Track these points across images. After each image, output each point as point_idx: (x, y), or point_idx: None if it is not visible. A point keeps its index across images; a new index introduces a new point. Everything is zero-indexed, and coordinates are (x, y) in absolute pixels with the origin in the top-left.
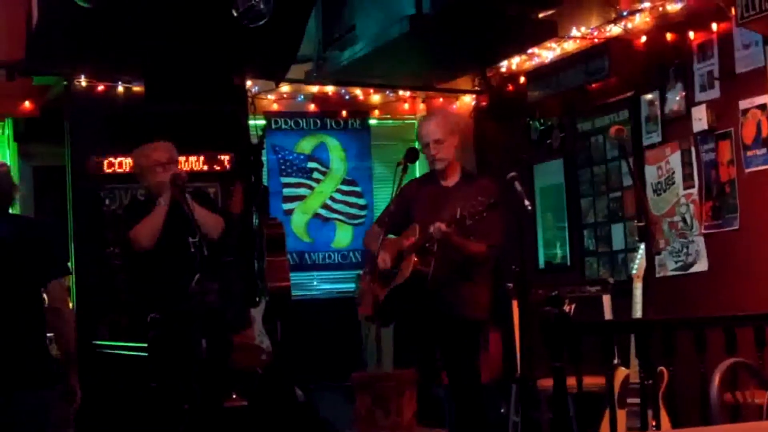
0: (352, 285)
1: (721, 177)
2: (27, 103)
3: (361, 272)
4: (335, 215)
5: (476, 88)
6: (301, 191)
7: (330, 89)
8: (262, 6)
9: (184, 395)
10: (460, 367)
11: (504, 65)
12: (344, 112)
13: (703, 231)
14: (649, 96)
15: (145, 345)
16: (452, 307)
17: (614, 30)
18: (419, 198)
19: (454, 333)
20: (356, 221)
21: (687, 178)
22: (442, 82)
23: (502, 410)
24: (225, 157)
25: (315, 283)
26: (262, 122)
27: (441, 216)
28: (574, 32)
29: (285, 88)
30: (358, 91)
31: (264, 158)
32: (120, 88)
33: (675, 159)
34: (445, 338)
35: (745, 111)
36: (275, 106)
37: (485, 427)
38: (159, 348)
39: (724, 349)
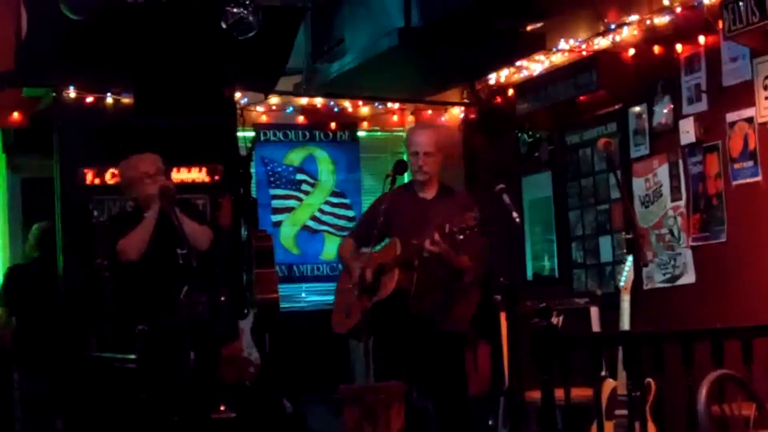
0: None
1: (709, 190)
2: (16, 114)
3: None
4: (324, 227)
5: (465, 100)
6: (290, 203)
7: (319, 101)
8: (251, 18)
9: (172, 407)
10: (445, 381)
11: (492, 78)
12: (333, 124)
13: (690, 243)
14: (636, 109)
15: (134, 357)
16: (434, 322)
17: (602, 43)
18: (397, 210)
19: (438, 347)
20: (345, 233)
21: (674, 191)
22: (430, 94)
23: (490, 423)
24: (214, 169)
25: (303, 295)
26: (251, 134)
27: (423, 230)
28: (563, 45)
29: (274, 100)
30: (347, 103)
31: (253, 170)
32: (109, 100)
33: (663, 172)
34: (428, 352)
35: (733, 124)
36: (264, 118)
37: None
38: (147, 360)
39: (711, 362)
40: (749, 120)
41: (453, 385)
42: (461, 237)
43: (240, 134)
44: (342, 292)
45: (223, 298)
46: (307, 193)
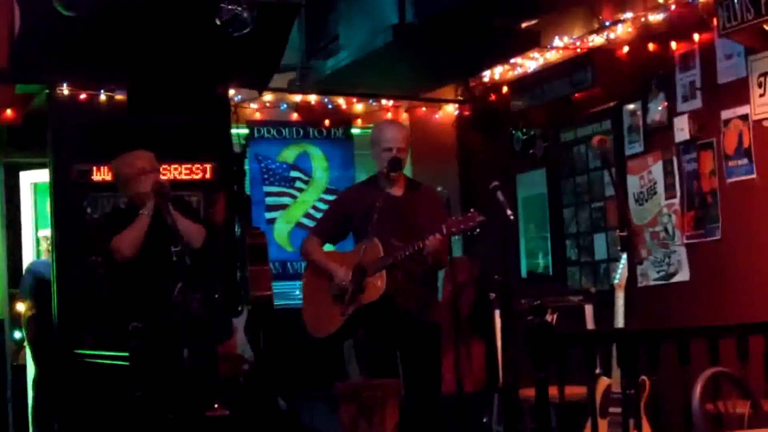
0: None
1: (703, 187)
2: (9, 111)
3: (301, 290)
4: None
5: (459, 97)
6: (284, 200)
7: (313, 98)
8: (245, 15)
9: (167, 405)
10: (426, 372)
11: (487, 75)
12: (327, 122)
13: (684, 241)
14: (631, 106)
15: (128, 354)
16: (416, 315)
17: (597, 40)
18: (367, 208)
19: (421, 339)
20: None
21: (669, 188)
22: (425, 91)
23: (484, 420)
24: (207, 166)
25: (297, 292)
26: (244, 131)
27: (398, 228)
28: (557, 42)
29: (268, 97)
30: (341, 101)
31: (246, 167)
32: (103, 97)
33: (657, 169)
34: (412, 346)
35: (727, 121)
36: (258, 115)
37: None
38: (141, 357)
39: (706, 359)
40: (744, 117)
41: (433, 376)
42: (459, 237)
43: (234, 131)
44: (314, 295)
45: (217, 296)
46: (301, 190)
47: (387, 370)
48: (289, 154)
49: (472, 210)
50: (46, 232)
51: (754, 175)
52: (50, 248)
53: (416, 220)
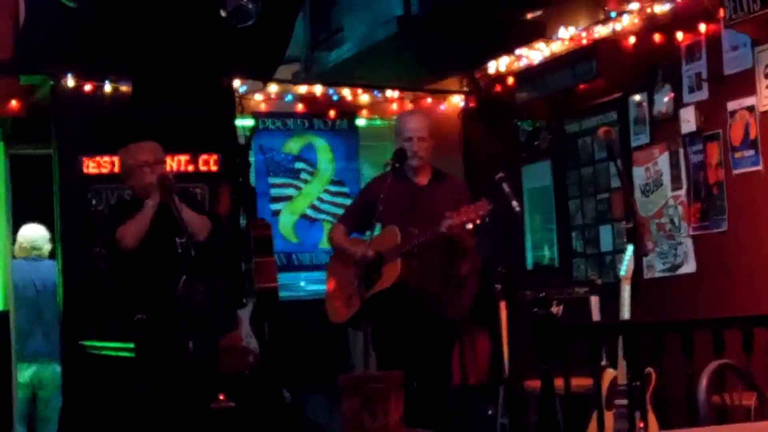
0: None
1: (709, 179)
2: (14, 103)
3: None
4: (323, 216)
5: (464, 89)
6: (289, 192)
7: (318, 89)
8: (250, 6)
9: (171, 397)
10: (438, 366)
11: (492, 66)
12: (332, 113)
13: (690, 233)
14: (637, 97)
15: (132, 346)
16: (434, 309)
17: (602, 31)
18: (391, 196)
19: (435, 333)
20: None
21: (675, 180)
22: (429, 82)
23: (489, 412)
24: (212, 158)
25: (302, 283)
26: (249, 122)
27: (419, 217)
28: (562, 33)
29: (273, 88)
30: (346, 92)
31: (251, 159)
32: (107, 88)
33: (663, 160)
34: (425, 339)
35: (734, 112)
36: (263, 107)
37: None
38: (146, 349)
39: (711, 351)
40: (750, 109)
41: (444, 370)
42: (472, 227)
43: (239, 122)
44: (337, 280)
45: (221, 288)
46: (305, 181)
47: (397, 361)
48: (294, 146)
49: (482, 199)
50: (24, 231)
51: (760, 167)
52: (22, 248)
53: (436, 210)
